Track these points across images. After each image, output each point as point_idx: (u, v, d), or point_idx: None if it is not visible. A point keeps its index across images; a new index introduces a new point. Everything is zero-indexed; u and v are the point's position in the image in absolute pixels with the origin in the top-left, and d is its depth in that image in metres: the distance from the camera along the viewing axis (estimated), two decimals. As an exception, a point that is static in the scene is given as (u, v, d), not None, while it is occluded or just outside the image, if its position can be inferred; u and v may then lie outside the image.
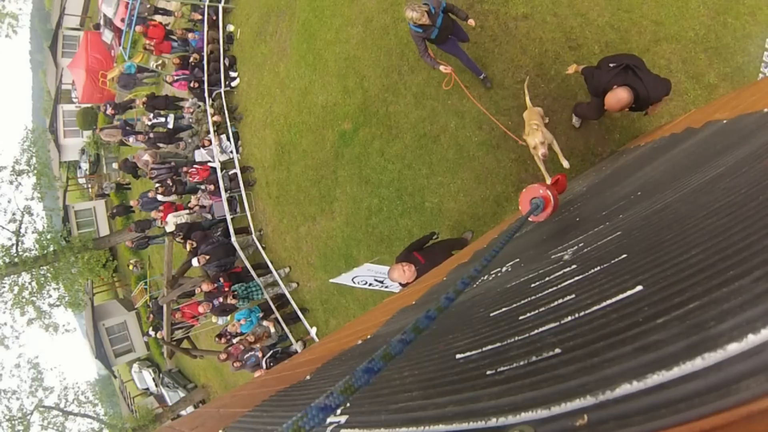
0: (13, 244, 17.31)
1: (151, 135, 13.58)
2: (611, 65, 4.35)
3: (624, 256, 1.04)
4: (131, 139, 14.58)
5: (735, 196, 0.97)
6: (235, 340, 11.22)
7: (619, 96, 4.17)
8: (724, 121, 2.14)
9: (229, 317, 12.15)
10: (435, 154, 7.65)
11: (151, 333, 17.93)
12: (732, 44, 5.01)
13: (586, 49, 5.92)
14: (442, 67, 6.02)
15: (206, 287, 10.90)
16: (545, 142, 5.22)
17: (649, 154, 2.95)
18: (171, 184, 12.69)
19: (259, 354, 10.64)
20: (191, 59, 13.68)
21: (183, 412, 18.80)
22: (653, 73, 4.36)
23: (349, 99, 9.32)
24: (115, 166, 21.95)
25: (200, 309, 11.25)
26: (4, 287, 17.08)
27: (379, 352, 0.78)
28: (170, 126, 13.72)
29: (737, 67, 4.98)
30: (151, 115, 14.01)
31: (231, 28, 14.20)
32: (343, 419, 1.21)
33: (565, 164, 5.79)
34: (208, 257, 11.00)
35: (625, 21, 5.67)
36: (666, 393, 0.49)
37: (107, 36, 23.54)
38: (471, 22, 5.81)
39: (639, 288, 0.81)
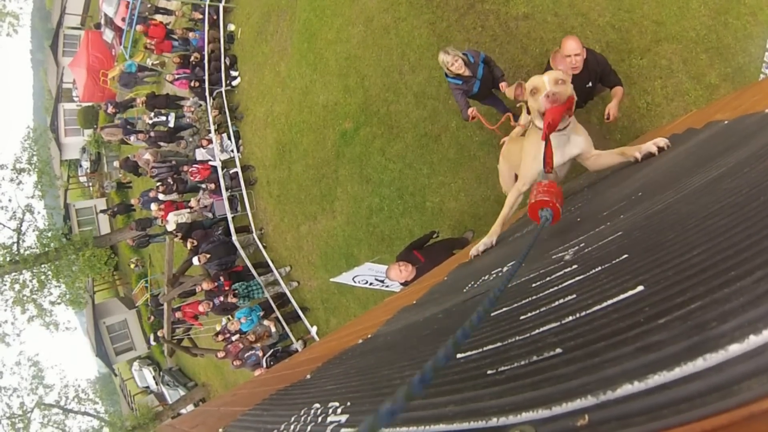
0: (14, 242, 17.34)
1: (152, 134, 13.58)
2: None
3: (625, 256, 1.04)
4: (132, 137, 14.58)
5: (736, 196, 0.97)
6: (233, 338, 11.23)
7: (567, 39, 4.20)
8: (726, 122, 2.14)
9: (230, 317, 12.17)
10: (436, 154, 7.65)
11: (152, 342, 17.93)
12: (733, 45, 5.00)
13: (588, 49, 5.91)
14: (470, 110, 5.34)
15: (207, 286, 10.91)
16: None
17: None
18: (172, 182, 12.70)
19: (260, 353, 10.64)
20: (192, 58, 13.67)
21: (183, 411, 18.81)
22: None
23: (350, 98, 9.31)
24: (116, 164, 21.87)
25: (201, 308, 11.26)
26: (5, 285, 17.11)
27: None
28: (171, 125, 13.71)
29: (738, 68, 4.97)
30: (152, 114, 14.01)
31: (232, 27, 14.20)
32: (343, 418, 1.21)
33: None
34: (208, 256, 11.01)
35: (626, 21, 5.66)
36: (667, 393, 0.49)
37: (108, 35, 23.52)
38: (503, 86, 5.31)
39: (640, 288, 0.81)
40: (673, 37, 5.35)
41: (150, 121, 13.97)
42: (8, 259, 16.42)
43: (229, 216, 11.70)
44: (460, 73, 5.22)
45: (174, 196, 13.44)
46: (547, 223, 2.29)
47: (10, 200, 18.05)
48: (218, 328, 12.28)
